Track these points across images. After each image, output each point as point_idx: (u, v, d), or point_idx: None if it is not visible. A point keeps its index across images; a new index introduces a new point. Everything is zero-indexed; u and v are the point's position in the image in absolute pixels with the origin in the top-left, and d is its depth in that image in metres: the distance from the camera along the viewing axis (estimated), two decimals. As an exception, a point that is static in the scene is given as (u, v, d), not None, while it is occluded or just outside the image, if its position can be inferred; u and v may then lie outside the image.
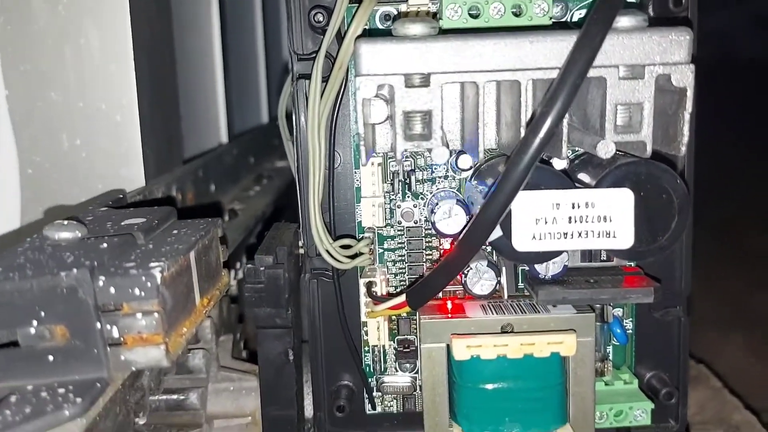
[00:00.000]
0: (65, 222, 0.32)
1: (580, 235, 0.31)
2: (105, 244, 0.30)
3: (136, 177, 0.49)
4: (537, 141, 0.28)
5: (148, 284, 0.28)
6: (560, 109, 0.28)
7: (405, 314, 0.38)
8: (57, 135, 0.48)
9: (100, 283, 0.27)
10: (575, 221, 0.31)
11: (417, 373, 0.39)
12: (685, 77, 0.30)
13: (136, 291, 0.28)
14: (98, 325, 0.27)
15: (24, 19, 0.46)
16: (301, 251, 0.40)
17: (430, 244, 0.39)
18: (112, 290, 0.27)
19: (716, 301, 1.18)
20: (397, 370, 0.40)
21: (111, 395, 0.32)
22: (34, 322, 0.27)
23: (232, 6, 0.82)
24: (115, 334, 0.28)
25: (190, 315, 0.32)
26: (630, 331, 0.40)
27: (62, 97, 0.48)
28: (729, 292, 1.21)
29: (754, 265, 1.34)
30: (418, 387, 0.40)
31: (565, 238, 0.31)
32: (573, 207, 0.31)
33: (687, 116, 0.30)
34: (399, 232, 0.39)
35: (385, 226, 0.38)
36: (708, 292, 1.20)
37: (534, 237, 0.31)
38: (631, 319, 0.40)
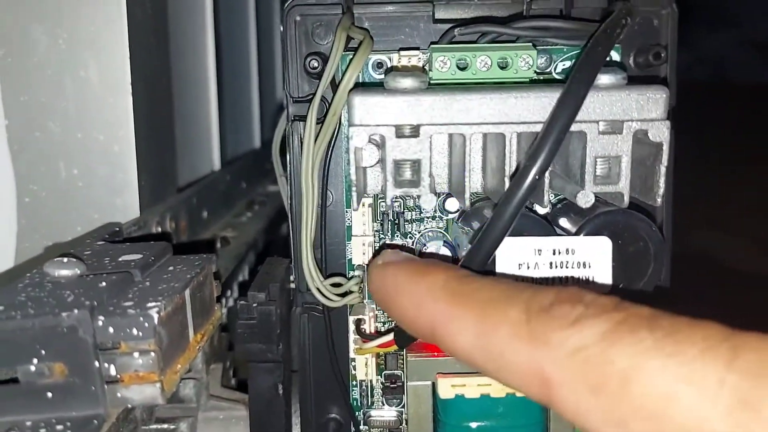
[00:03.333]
0: (65, 259, 0.33)
1: (560, 280, 0.32)
2: (104, 283, 0.31)
3: (131, 206, 0.50)
4: (520, 194, 0.29)
5: (146, 324, 0.29)
6: (543, 163, 0.29)
7: (392, 351, 0.40)
8: (55, 164, 0.49)
9: (99, 323, 0.28)
10: (556, 266, 0.32)
11: (403, 407, 0.41)
12: (661, 133, 0.32)
13: (134, 331, 0.29)
14: (96, 363, 0.28)
15: (25, 51, 0.48)
16: (293, 286, 0.41)
17: (418, 281, 0.40)
18: (111, 330, 0.29)
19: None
20: (383, 404, 0.41)
21: (106, 429, 0.33)
22: (35, 360, 0.28)
23: (227, 30, 0.83)
24: (113, 372, 0.29)
25: (184, 352, 0.33)
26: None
27: (61, 128, 0.49)
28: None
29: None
30: (404, 421, 0.41)
31: (547, 282, 0.32)
32: (554, 253, 0.32)
33: (663, 169, 0.32)
34: (388, 270, 0.40)
35: (374, 264, 0.40)
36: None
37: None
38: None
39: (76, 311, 0.28)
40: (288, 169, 0.40)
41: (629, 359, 0.20)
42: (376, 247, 0.39)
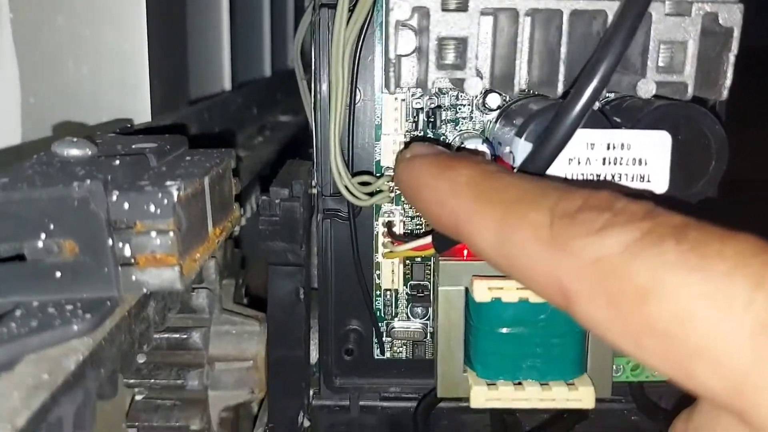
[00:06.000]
0: (75, 139, 0.31)
1: (613, 177, 0.30)
2: (117, 162, 0.29)
3: (142, 110, 0.47)
4: (593, 85, 0.26)
5: (165, 201, 0.26)
6: (619, 50, 0.26)
7: (420, 258, 0.37)
8: (63, 62, 0.46)
9: (114, 198, 0.26)
10: (609, 162, 0.30)
11: (428, 319, 0.39)
12: (733, 16, 0.29)
13: (152, 208, 0.26)
14: (110, 241, 0.26)
15: (32, -59, 0.44)
16: (314, 191, 0.38)
17: (450, 187, 0.38)
18: (126, 206, 0.26)
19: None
20: (408, 317, 0.39)
21: (117, 321, 0.31)
22: (42, 235, 0.26)
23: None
24: (127, 252, 0.26)
25: (203, 243, 0.31)
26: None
27: (69, 23, 0.46)
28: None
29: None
30: (428, 334, 0.39)
31: (599, 180, 0.30)
32: (608, 148, 0.30)
33: (732, 58, 0.29)
34: (418, 173, 0.37)
35: (404, 166, 0.37)
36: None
37: (567, 178, 0.30)
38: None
39: (88, 182, 0.25)
40: (313, 61, 0.37)
41: (650, 273, 0.18)
42: (408, 148, 0.37)
